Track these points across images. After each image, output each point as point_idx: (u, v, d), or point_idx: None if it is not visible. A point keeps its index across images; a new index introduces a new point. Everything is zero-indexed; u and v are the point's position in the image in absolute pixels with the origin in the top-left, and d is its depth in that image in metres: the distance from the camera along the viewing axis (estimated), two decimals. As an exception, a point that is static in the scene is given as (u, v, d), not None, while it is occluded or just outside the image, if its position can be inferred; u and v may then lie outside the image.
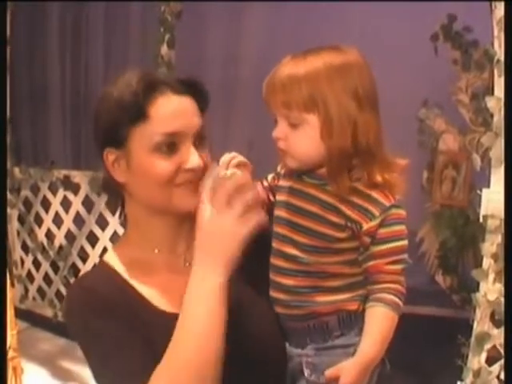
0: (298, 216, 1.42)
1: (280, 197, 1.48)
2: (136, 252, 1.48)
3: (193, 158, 1.41)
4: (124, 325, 1.35)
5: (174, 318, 1.37)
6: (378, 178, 1.37)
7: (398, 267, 1.38)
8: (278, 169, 1.53)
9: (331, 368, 1.37)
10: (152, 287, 1.44)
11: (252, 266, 1.48)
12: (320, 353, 1.43)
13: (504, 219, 2.02)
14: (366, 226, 1.36)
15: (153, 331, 1.37)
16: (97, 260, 3.98)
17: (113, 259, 1.48)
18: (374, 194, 1.37)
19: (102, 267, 1.48)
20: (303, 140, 1.38)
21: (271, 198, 1.56)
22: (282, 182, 1.49)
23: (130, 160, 1.41)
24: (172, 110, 1.40)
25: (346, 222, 1.36)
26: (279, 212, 1.47)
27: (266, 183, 1.58)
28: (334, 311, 1.41)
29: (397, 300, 1.37)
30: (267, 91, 1.39)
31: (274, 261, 1.46)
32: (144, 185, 1.42)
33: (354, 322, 1.41)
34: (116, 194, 1.52)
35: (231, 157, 1.49)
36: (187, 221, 1.47)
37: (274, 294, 1.46)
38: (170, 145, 1.39)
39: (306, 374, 1.43)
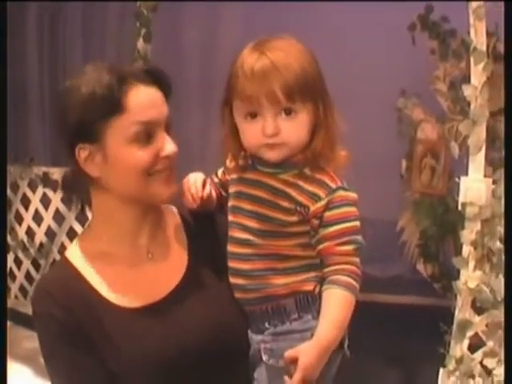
0: (250, 203, 1.44)
1: (232, 188, 1.51)
2: (99, 245, 1.49)
3: (168, 145, 1.44)
4: (80, 346, 1.40)
5: (133, 312, 1.43)
6: (327, 163, 1.41)
7: (350, 247, 1.39)
8: (227, 163, 1.54)
9: (290, 350, 1.37)
10: (113, 283, 1.45)
11: (211, 257, 1.54)
12: (277, 338, 1.44)
13: (504, 213, 2.02)
14: (312, 208, 1.38)
15: (111, 328, 1.41)
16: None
17: (74, 255, 1.49)
18: (322, 178, 1.40)
19: (63, 266, 1.50)
20: (299, 128, 1.39)
21: (222, 192, 1.58)
22: (234, 175, 1.51)
23: (107, 153, 1.41)
24: (145, 100, 1.41)
25: (296, 206, 1.39)
26: (232, 202, 1.49)
27: (216, 179, 1.59)
28: (290, 293, 1.43)
29: (350, 280, 1.38)
30: (255, 80, 1.35)
31: (231, 248, 1.48)
32: (121, 176, 1.42)
33: (311, 304, 1.43)
34: (80, 190, 1.51)
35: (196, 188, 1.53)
36: (151, 212, 1.51)
37: (232, 280, 1.48)
38: (147, 134, 1.41)
39: (264, 359, 1.45)
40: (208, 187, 1.55)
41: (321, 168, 1.41)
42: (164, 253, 1.52)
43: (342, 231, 1.39)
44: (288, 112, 1.37)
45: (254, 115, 1.39)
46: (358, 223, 1.41)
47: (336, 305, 1.37)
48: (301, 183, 1.40)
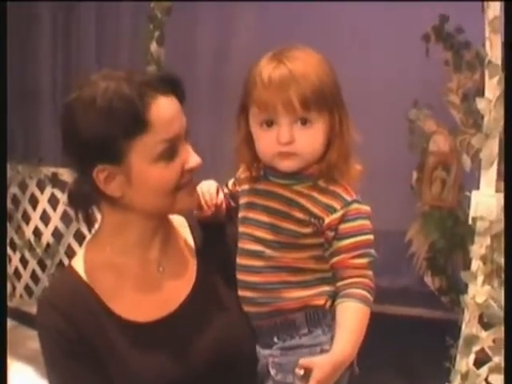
0: (263, 214, 1.43)
1: (243, 199, 1.49)
2: (108, 256, 1.43)
3: (192, 157, 1.39)
4: (85, 361, 1.36)
5: (141, 327, 1.39)
6: (341, 175, 1.40)
7: (364, 261, 1.39)
8: (238, 174, 1.53)
9: (305, 359, 1.36)
10: (122, 296, 1.41)
11: (221, 269, 1.50)
12: (286, 353, 1.43)
13: (504, 223, 2.00)
14: (327, 220, 1.37)
15: (119, 343, 1.37)
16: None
17: (81, 266, 1.43)
18: (337, 190, 1.39)
19: (69, 277, 1.44)
20: (315, 138, 1.38)
21: (232, 203, 1.56)
22: (245, 186, 1.49)
23: (131, 174, 1.34)
24: (168, 114, 1.34)
25: (310, 218, 1.38)
26: (243, 213, 1.47)
27: (226, 190, 1.57)
28: (300, 307, 1.41)
29: (365, 293, 1.37)
30: (273, 89, 1.34)
31: (241, 260, 1.46)
32: (147, 196, 1.37)
33: (321, 318, 1.42)
34: (88, 204, 1.44)
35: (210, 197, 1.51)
36: (162, 225, 1.46)
37: (241, 292, 1.46)
38: (172, 150, 1.35)
39: (272, 374, 1.43)
40: (221, 194, 1.54)
41: (335, 180, 1.40)
42: (174, 266, 1.48)
43: (356, 244, 1.38)
44: (304, 122, 1.36)
45: (269, 123, 1.38)
46: (371, 237, 1.40)
47: (352, 318, 1.36)
48: (315, 195, 1.39)
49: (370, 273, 1.39)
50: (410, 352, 3.92)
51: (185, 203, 1.41)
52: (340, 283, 1.39)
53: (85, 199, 1.43)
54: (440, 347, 2.71)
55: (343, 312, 1.37)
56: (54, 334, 1.37)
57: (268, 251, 1.41)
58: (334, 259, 1.40)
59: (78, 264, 1.44)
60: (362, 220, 1.40)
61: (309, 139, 1.38)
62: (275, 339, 1.44)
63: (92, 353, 1.36)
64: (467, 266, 2.64)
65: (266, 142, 1.39)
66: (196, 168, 1.40)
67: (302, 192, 1.40)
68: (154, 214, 1.41)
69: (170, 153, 1.35)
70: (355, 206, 1.39)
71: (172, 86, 1.38)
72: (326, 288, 1.42)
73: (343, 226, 1.38)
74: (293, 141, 1.37)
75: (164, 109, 1.34)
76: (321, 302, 1.42)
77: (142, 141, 1.32)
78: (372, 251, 1.40)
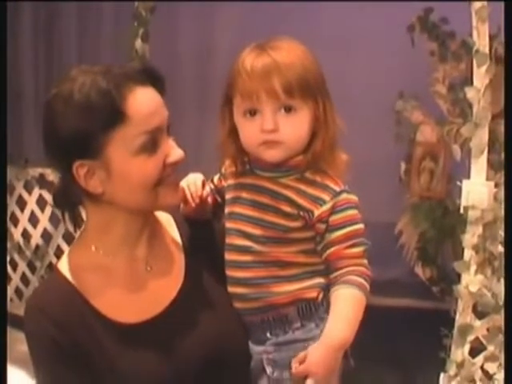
0: (250, 208, 1.41)
1: (230, 194, 1.47)
2: (94, 257, 1.41)
3: (175, 150, 1.37)
4: (75, 365, 1.33)
5: (131, 328, 1.36)
6: (328, 166, 1.39)
7: (358, 250, 1.38)
8: (223, 170, 1.51)
9: (300, 353, 1.34)
10: (110, 297, 1.38)
11: (209, 266, 1.48)
12: (280, 348, 1.41)
13: (504, 216, 2.00)
14: (317, 212, 1.36)
15: (109, 344, 1.34)
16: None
17: (68, 268, 1.40)
18: (324, 181, 1.38)
19: (56, 280, 1.41)
20: (299, 126, 1.36)
21: (218, 199, 1.54)
22: (231, 181, 1.47)
23: (110, 168, 1.31)
24: (147, 105, 1.32)
25: (299, 212, 1.36)
26: (230, 208, 1.45)
27: (211, 185, 1.55)
28: (292, 301, 1.40)
29: (362, 280, 1.36)
30: (256, 77, 1.33)
31: (229, 256, 1.44)
32: (129, 190, 1.34)
33: (313, 312, 1.40)
34: (73, 205, 1.42)
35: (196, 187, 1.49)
36: (148, 222, 1.43)
37: (231, 289, 1.45)
38: (152, 142, 1.32)
39: (268, 372, 1.41)
40: (207, 187, 1.52)
41: (322, 171, 1.39)
42: (162, 264, 1.45)
43: (349, 234, 1.37)
44: (288, 109, 1.35)
45: (253, 112, 1.36)
46: (362, 225, 1.39)
47: (347, 303, 1.34)
48: (303, 187, 1.38)
49: (365, 261, 1.38)
50: (401, 343, 3.92)
51: (168, 199, 1.38)
52: (335, 274, 1.38)
53: (70, 199, 1.41)
54: (431, 337, 2.70)
55: (337, 298, 1.35)
56: (44, 340, 1.35)
57: (256, 246, 1.39)
58: (328, 251, 1.38)
59: (64, 266, 1.41)
60: (352, 210, 1.39)
61: (293, 127, 1.36)
62: (268, 335, 1.42)
63: (82, 356, 1.33)
64: (457, 255, 2.65)
65: (250, 131, 1.38)
66: (178, 162, 1.38)
67: (289, 185, 1.39)
68: (137, 210, 1.38)
69: (150, 145, 1.32)
70: (344, 195, 1.38)
71: (151, 77, 1.36)
72: (318, 280, 1.40)
73: (334, 218, 1.37)
74: (277, 129, 1.35)
75: (142, 100, 1.31)
76: (313, 294, 1.40)
77: (120, 133, 1.29)
78: (365, 240, 1.39)
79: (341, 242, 1.37)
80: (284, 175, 1.40)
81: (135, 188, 1.33)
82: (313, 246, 1.40)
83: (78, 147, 1.30)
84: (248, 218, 1.41)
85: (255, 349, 1.45)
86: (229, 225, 1.46)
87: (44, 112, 1.35)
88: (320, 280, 1.41)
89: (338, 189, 1.38)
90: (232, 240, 1.44)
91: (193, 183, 1.50)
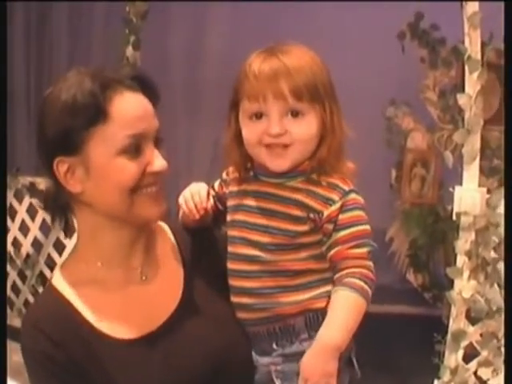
0: (256, 215, 1.37)
1: (232, 201, 1.43)
2: (88, 271, 1.38)
3: (158, 160, 1.33)
4: (75, 382, 1.30)
5: (129, 344, 1.33)
6: (333, 171, 1.36)
7: (363, 250, 1.33)
8: (224, 176, 1.48)
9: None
10: (107, 312, 1.35)
11: (209, 276, 1.44)
12: (288, 359, 1.36)
13: (504, 222, 2.00)
14: (327, 212, 1.32)
15: (107, 361, 1.31)
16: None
17: (62, 283, 1.37)
18: (333, 180, 1.35)
19: (51, 296, 1.38)
20: (307, 130, 1.33)
21: (219, 206, 1.49)
22: (233, 188, 1.44)
23: (89, 166, 1.30)
24: (132, 108, 1.31)
25: (308, 214, 1.33)
26: (233, 216, 1.42)
27: (212, 192, 1.50)
28: (300, 311, 1.35)
29: (362, 284, 1.30)
30: (263, 79, 1.31)
31: (233, 265, 1.40)
32: (104, 191, 1.32)
33: (321, 322, 1.33)
34: (63, 209, 1.40)
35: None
36: (143, 232, 1.41)
37: (235, 299, 1.40)
38: (135, 146, 1.30)
39: None
40: (212, 198, 1.48)
41: (327, 173, 1.36)
42: (159, 274, 1.42)
43: (354, 234, 1.33)
44: (295, 114, 1.32)
45: (259, 115, 1.33)
46: (369, 227, 1.35)
47: (344, 306, 1.30)
48: (312, 188, 1.34)
49: (369, 263, 1.33)
50: (394, 349, 3.92)
51: (144, 209, 1.34)
52: (338, 275, 1.33)
53: (57, 201, 1.39)
54: (424, 343, 2.71)
55: (335, 300, 1.31)
56: (42, 358, 1.31)
57: (263, 255, 1.35)
58: (332, 251, 1.34)
59: (59, 282, 1.38)
60: (359, 211, 1.35)
61: (300, 131, 1.33)
62: (274, 346, 1.38)
63: (79, 373, 1.30)
64: (449, 261, 2.66)
65: (253, 132, 1.34)
66: (160, 172, 1.34)
67: (297, 187, 1.35)
68: (116, 216, 1.34)
69: (133, 149, 1.30)
70: (353, 195, 1.34)
71: (143, 85, 1.35)
72: (326, 288, 1.36)
73: (341, 217, 1.33)
74: (283, 133, 1.32)
75: (129, 103, 1.31)
76: (321, 304, 1.35)
77: (101, 131, 1.29)
78: (371, 241, 1.35)
79: (346, 241, 1.33)
80: (290, 179, 1.36)
81: (112, 190, 1.31)
82: (321, 251, 1.36)
83: (59, 143, 1.30)
84: (253, 226, 1.37)
85: (261, 360, 1.40)
86: (232, 233, 1.41)
87: (37, 110, 1.36)
88: (328, 288, 1.35)
89: (347, 188, 1.34)
90: (236, 249, 1.40)
91: (197, 193, 1.46)
